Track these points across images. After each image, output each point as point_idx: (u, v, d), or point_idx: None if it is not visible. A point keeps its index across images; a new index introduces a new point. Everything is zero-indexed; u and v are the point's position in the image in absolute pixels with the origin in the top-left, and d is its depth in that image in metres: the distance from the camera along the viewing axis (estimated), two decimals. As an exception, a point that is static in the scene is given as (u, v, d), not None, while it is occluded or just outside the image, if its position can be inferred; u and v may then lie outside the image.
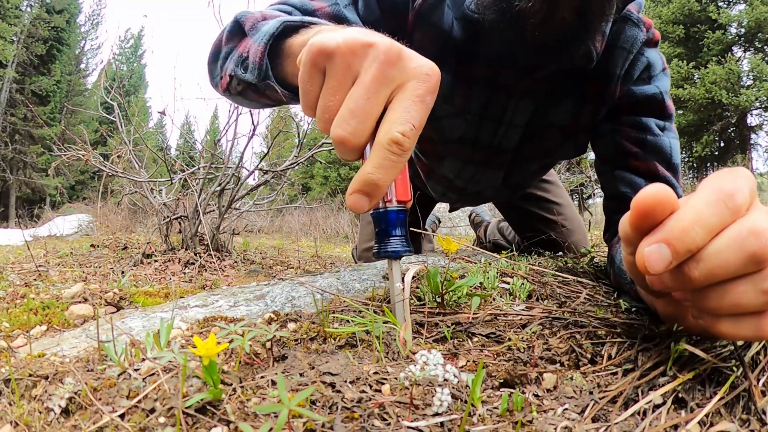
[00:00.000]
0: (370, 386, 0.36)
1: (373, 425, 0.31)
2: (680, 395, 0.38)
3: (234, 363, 0.40)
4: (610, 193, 0.92)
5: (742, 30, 15.11)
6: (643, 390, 0.39)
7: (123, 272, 1.49)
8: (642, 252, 0.35)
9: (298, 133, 2.25)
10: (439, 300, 0.58)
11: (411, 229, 0.51)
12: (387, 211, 0.46)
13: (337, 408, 0.32)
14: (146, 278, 1.44)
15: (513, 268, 0.84)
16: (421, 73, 0.44)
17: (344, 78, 0.43)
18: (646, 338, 0.48)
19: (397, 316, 0.46)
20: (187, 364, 0.34)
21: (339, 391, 0.35)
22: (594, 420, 0.35)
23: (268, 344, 0.43)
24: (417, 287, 0.66)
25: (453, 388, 0.37)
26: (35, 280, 1.27)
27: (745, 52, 15.82)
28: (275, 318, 0.54)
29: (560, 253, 1.38)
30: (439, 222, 2.64)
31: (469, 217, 2.27)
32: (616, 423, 0.34)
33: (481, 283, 0.71)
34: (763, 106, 14.94)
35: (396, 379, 0.37)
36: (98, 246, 2.22)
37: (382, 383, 0.37)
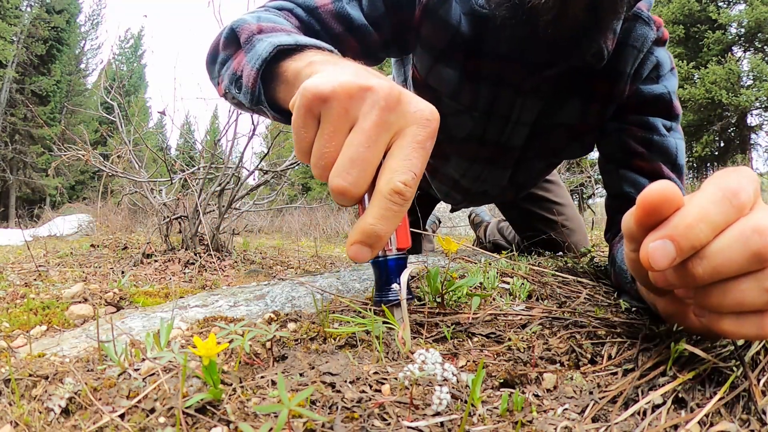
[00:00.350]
0: (370, 386, 0.36)
1: (373, 425, 0.31)
2: (680, 395, 0.38)
3: (234, 363, 0.40)
4: (613, 193, 0.91)
5: (742, 30, 15.11)
6: (643, 390, 0.39)
7: (123, 272, 1.49)
8: (646, 248, 0.35)
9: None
10: (439, 300, 0.58)
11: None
12: (387, 260, 0.46)
13: (337, 408, 0.32)
14: (146, 278, 1.44)
15: (513, 268, 0.84)
16: (422, 118, 0.43)
17: (341, 124, 0.42)
18: (646, 338, 0.48)
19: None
20: (187, 364, 0.34)
21: (339, 391, 0.35)
22: (594, 420, 0.35)
23: (268, 344, 0.43)
24: (417, 287, 0.66)
25: (453, 387, 0.37)
26: (35, 280, 1.27)
27: (745, 52, 15.82)
28: (275, 318, 0.54)
29: (560, 253, 1.38)
30: (440, 222, 2.64)
31: (469, 217, 2.27)
32: (616, 423, 0.34)
33: (481, 283, 0.71)
34: (763, 106, 14.94)
35: (396, 379, 0.37)
36: (98, 246, 2.22)
37: (382, 383, 0.37)
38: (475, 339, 0.49)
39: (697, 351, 0.42)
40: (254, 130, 2.09)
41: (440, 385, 0.32)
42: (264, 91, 0.59)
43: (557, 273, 0.83)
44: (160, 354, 0.38)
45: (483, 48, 0.81)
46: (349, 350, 0.44)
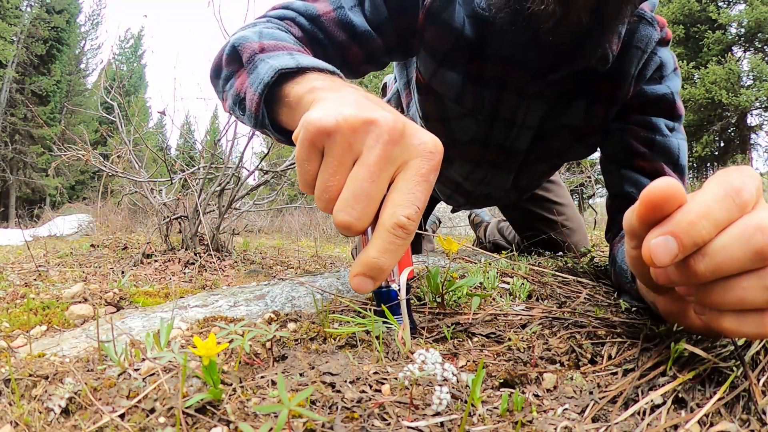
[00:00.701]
0: (370, 386, 0.36)
1: (373, 425, 0.31)
2: (680, 395, 0.38)
3: (234, 363, 0.40)
4: (614, 192, 0.91)
5: (742, 30, 15.12)
6: (643, 390, 0.39)
7: (123, 272, 1.49)
8: (648, 244, 0.35)
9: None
10: (439, 300, 0.58)
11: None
12: (390, 291, 0.46)
13: (337, 408, 0.32)
14: (146, 278, 1.44)
15: (513, 268, 0.84)
16: (425, 151, 0.43)
17: (344, 157, 0.42)
18: (646, 338, 0.48)
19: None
20: (187, 364, 0.34)
21: (339, 391, 0.35)
22: (594, 420, 0.35)
23: (268, 344, 0.43)
24: (417, 287, 0.66)
25: (453, 387, 0.37)
26: (35, 280, 1.27)
27: (745, 52, 15.83)
28: (275, 318, 0.54)
29: (560, 253, 1.38)
30: (440, 222, 2.64)
31: (469, 217, 2.27)
32: (616, 423, 0.34)
33: (481, 283, 0.71)
34: (763, 106, 14.95)
35: (396, 379, 0.37)
36: (98, 246, 2.22)
37: (382, 383, 0.37)
38: (475, 339, 0.49)
39: (698, 351, 0.42)
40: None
41: (440, 385, 0.32)
42: (267, 113, 0.59)
43: (557, 273, 0.83)
44: (160, 354, 0.38)
45: (486, 51, 0.81)
46: (349, 350, 0.44)
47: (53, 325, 0.77)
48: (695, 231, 0.33)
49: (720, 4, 15.39)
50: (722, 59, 14.78)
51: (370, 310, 0.51)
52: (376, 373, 0.38)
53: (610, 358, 0.46)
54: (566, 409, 0.36)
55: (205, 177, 2.09)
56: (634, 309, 0.62)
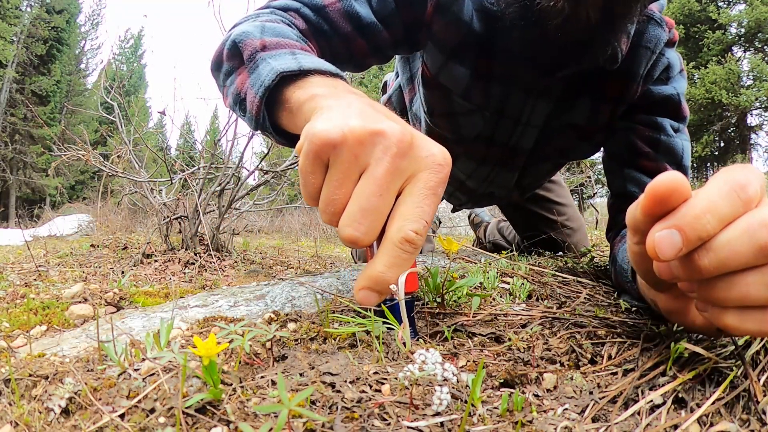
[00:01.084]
0: (370, 386, 0.36)
1: (373, 425, 0.31)
2: (680, 395, 0.38)
3: (234, 363, 0.40)
4: (616, 192, 0.91)
5: (742, 30, 15.12)
6: (643, 390, 0.39)
7: (123, 272, 1.49)
8: (653, 237, 0.35)
9: (298, 133, 2.24)
10: (439, 300, 0.58)
11: None
12: (395, 304, 0.46)
13: (337, 408, 0.32)
14: (146, 278, 1.44)
15: (513, 268, 0.84)
16: (434, 164, 0.42)
17: (351, 170, 0.41)
18: (646, 338, 0.48)
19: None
20: (187, 364, 0.34)
21: (339, 391, 0.35)
22: (594, 420, 0.35)
23: (268, 344, 0.43)
24: (418, 287, 0.66)
25: (453, 387, 0.37)
26: (35, 280, 1.27)
27: (745, 52, 15.83)
28: (275, 318, 0.54)
29: (560, 253, 1.38)
30: (440, 222, 2.64)
31: (469, 217, 2.27)
32: (616, 423, 0.34)
33: (481, 283, 0.71)
34: (763, 106, 14.95)
35: (396, 379, 0.37)
36: (98, 246, 2.22)
37: (382, 383, 0.37)
38: (475, 339, 0.49)
39: (698, 349, 0.42)
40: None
41: (440, 385, 0.32)
42: (267, 115, 0.58)
43: (557, 273, 0.83)
44: (160, 354, 0.38)
45: (495, 47, 0.80)
46: (349, 350, 0.44)
47: (53, 325, 0.77)
48: (700, 225, 0.33)
49: (720, 4, 15.39)
50: (722, 59, 14.78)
51: (370, 310, 0.51)
52: (376, 373, 0.38)
53: (610, 358, 0.46)
54: (566, 409, 0.36)
55: (205, 177, 2.09)
56: (634, 309, 0.62)
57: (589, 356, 0.46)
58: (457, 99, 0.89)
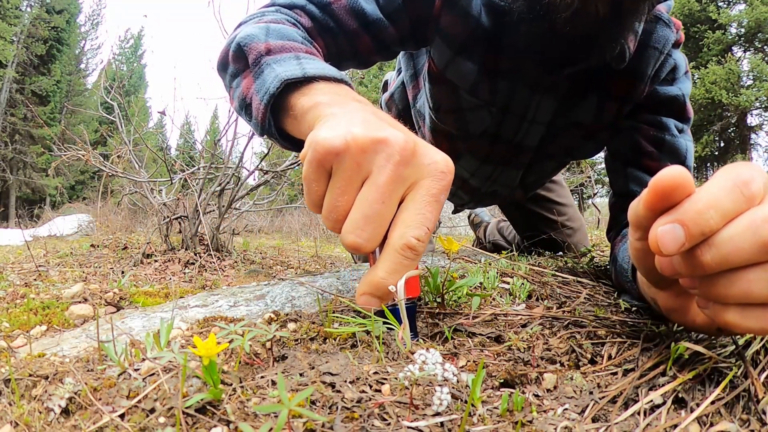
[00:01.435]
0: (370, 386, 0.36)
1: (373, 425, 0.31)
2: (680, 395, 0.38)
3: (234, 363, 0.40)
4: (618, 191, 0.91)
5: (742, 30, 15.11)
6: (643, 390, 0.39)
7: (123, 272, 1.49)
8: (656, 232, 0.35)
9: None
10: (439, 300, 0.58)
11: None
12: (396, 308, 0.46)
13: (337, 408, 0.32)
14: (146, 278, 1.44)
15: (513, 268, 0.84)
16: (436, 171, 0.43)
17: (353, 178, 0.42)
18: (646, 338, 0.48)
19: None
20: (187, 364, 0.34)
21: (339, 391, 0.35)
22: (594, 420, 0.35)
23: (268, 344, 0.43)
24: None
25: (453, 387, 0.37)
26: (35, 280, 1.27)
27: (745, 52, 15.83)
28: (275, 318, 0.54)
29: (560, 253, 1.38)
30: (440, 223, 2.64)
31: (469, 217, 2.27)
32: (616, 423, 0.34)
33: (481, 283, 0.71)
34: (763, 106, 14.95)
35: (396, 379, 0.37)
36: (98, 246, 2.22)
37: (382, 383, 0.37)
38: (475, 339, 0.49)
39: (699, 348, 0.42)
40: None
41: (440, 386, 0.32)
42: (273, 120, 0.59)
43: (557, 273, 0.83)
44: (160, 354, 0.38)
45: (502, 42, 0.80)
46: (349, 350, 0.44)
47: (53, 325, 0.77)
48: (703, 220, 0.33)
49: (720, 4, 15.39)
50: (722, 59, 14.78)
51: (370, 310, 0.51)
52: (376, 373, 0.38)
53: (610, 358, 0.46)
54: (566, 409, 0.36)
55: (205, 177, 2.09)
56: (634, 309, 0.62)
57: (589, 356, 0.46)
58: (464, 94, 0.89)
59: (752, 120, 16.04)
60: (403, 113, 1.20)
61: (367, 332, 0.47)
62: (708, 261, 0.34)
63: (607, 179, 0.98)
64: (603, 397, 0.37)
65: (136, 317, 0.62)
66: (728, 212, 0.33)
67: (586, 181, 6.47)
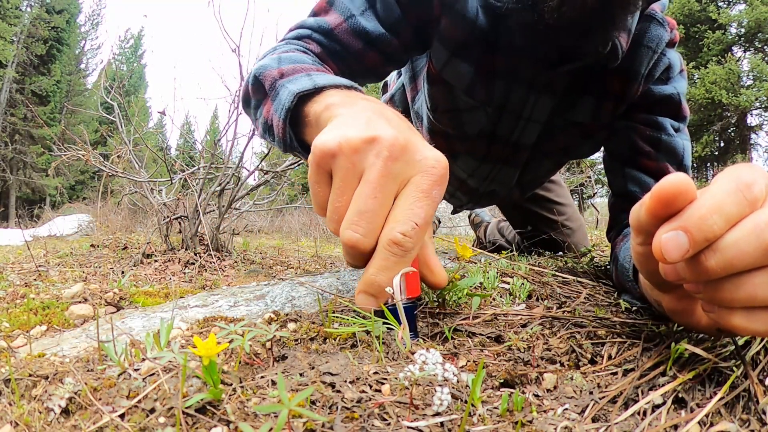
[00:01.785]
0: (370, 386, 0.36)
1: (373, 425, 0.31)
2: (680, 395, 0.38)
3: (234, 363, 0.40)
4: (617, 191, 0.91)
5: (742, 30, 15.11)
6: (643, 390, 0.39)
7: (123, 272, 1.49)
8: (659, 239, 0.34)
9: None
10: (439, 300, 0.58)
11: None
12: (395, 308, 0.46)
13: (337, 408, 0.32)
14: (146, 278, 1.44)
15: (513, 268, 0.84)
16: (426, 166, 0.43)
17: (349, 177, 0.43)
18: (646, 338, 0.48)
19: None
20: (187, 364, 0.34)
21: (339, 391, 0.35)
22: (594, 420, 0.35)
23: (268, 344, 0.43)
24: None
25: (453, 387, 0.37)
26: (35, 280, 1.27)
27: (745, 52, 15.82)
28: (275, 318, 0.54)
29: (560, 253, 1.38)
30: (439, 222, 2.64)
31: (469, 217, 2.27)
32: (616, 423, 0.34)
33: (481, 283, 0.71)
34: (763, 106, 14.94)
35: (396, 379, 0.37)
36: (98, 246, 2.22)
37: (382, 383, 0.37)
38: (475, 339, 0.49)
39: (698, 350, 0.42)
40: (254, 130, 2.09)
41: (441, 386, 0.32)
42: (294, 135, 0.61)
43: (557, 273, 0.83)
44: (160, 354, 0.38)
45: (499, 42, 0.80)
46: (349, 350, 0.44)
47: (53, 325, 0.77)
48: (706, 226, 0.33)
49: (720, 4, 15.38)
50: (722, 59, 14.78)
51: (370, 311, 0.51)
52: (376, 373, 0.38)
53: (610, 358, 0.46)
54: (566, 409, 0.36)
55: (205, 177, 2.09)
56: (634, 309, 0.62)
57: (589, 356, 0.46)
58: (460, 95, 0.89)
59: (752, 120, 16.04)
60: (404, 114, 1.20)
61: (367, 332, 0.47)
62: (713, 266, 0.34)
63: (606, 179, 0.98)
64: (603, 397, 0.37)
65: (136, 317, 0.62)
66: (732, 216, 0.33)
67: (586, 181, 6.48)
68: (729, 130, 16.10)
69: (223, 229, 2.09)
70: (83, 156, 2.23)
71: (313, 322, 0.52)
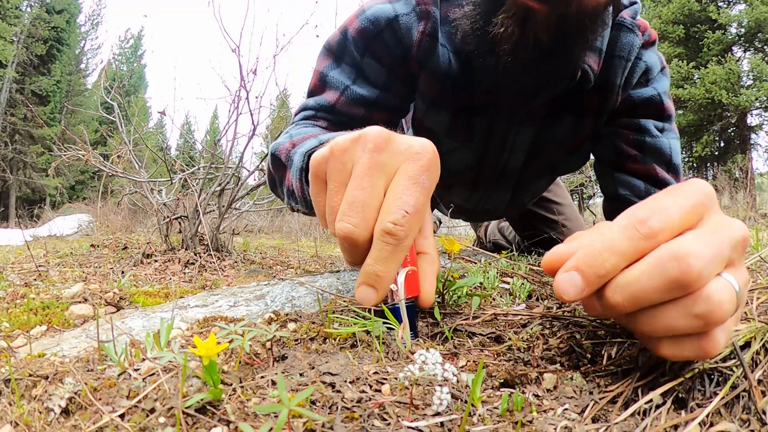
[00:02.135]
0: (370, 386, 0.36)
1: (373, 425, 0.31)
2: (680, 395, 0.38)
3: (234, 363, 0.40)
4: (609, 196, 0.91)
5: (742, 30, 15.11)
6: (643, 390, 0.39)
7: (123, 272, 1.49)
8: (556, 280, 0.36)
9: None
10: (439, 300, 0.58)
11: None
12: (396, 307, 0.47)
13: (337, 408, 0.32)
14: (146, 278, 1.44)
15: (513, 268, 0.84)
16: (412, 153, 0.44)
17: (341, 177, 0.44)
18: (646, 338, 0.48)
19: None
20: (187, 364, 0.34)
21: (339, 391, 0.35)
22: (594, 420, 0.35)
23: (268, 344, 0.43)
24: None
25: (453, 387, 0.37)
26: (35, 280, 1.27)
27: (745, 52, 15.82)
28: (275, 318, 0.54)
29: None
30: (440, 222, 2.64)
31: (469, 217, 2.27)
32: (616, 423, 0.34)
33: (481, 283, 0.71)
34: (763, 106, 14.94)
35: (396, 379, 0.37)
36: (98, 246, 2.22)
37: (382, 383, 0.37)
38: (475, 339, 0.49)
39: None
40: (254, 130, 2.09)
41: (440, 386, 0.32)
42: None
43: (557, 273, 0.82)
44: (160, 354, 0.38)
45: (471, 82, 0.82)
46: (349, 350, 0.44)
47: (53, 325, 0.77)
48: (597, 263, 0.34)
49: (720, 4, 15.37)
50: (722, 59, 14.77)
51: (370, 310, 0.51)
52: (376, 373, 0.38)
53: (610, 358, 0.46)
54: (566, 409, 0.36)
55: (205, 177, 2.09)
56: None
57: (589, 356, 0.46)
58: (443, 139, 0.91)
59: (752, 120, 16.03)
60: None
61: (367, 332, 0.47)
62: (619, 302, 0.34)
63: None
64: (603, 397, 0.37)
65: (136, 317, 0.62)
66: (626, 252, 0.34)
67: (586, 181, 6.48)
68: (729, 130, 16.09)
69: (223, 229, 2.09)
70: (83, 156, 2.23)
71: (313, 322, 0.52)
